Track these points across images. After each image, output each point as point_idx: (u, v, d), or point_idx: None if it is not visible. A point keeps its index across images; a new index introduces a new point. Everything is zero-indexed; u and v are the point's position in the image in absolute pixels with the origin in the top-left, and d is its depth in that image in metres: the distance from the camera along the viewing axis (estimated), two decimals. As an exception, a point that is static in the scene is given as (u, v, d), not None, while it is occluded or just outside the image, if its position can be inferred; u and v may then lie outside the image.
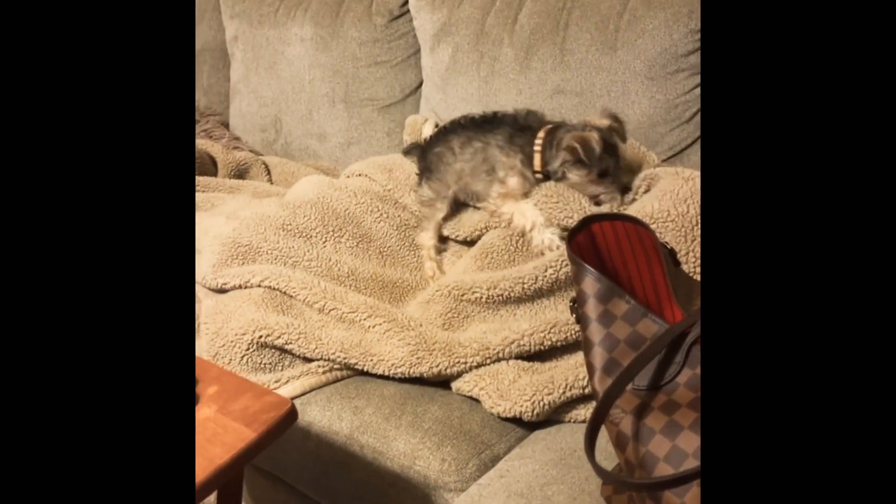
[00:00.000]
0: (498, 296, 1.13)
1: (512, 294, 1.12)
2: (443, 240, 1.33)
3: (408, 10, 1.71)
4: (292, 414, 0.83)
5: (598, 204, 1.20)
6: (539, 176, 1.23)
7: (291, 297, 1.18)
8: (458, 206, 1.32)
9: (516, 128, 1.25)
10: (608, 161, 1.17)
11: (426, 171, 1.34)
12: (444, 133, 1.35)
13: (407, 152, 1.45)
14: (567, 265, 1.08)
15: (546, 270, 1.11)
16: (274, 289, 1.19)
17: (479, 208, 1.30)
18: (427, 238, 1.32)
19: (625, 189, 1.19)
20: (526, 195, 1.22)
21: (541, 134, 1.23)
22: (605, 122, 1.20)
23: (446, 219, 1.31)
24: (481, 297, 1.14)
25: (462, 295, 1.15)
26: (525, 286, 1.11)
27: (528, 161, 1.23)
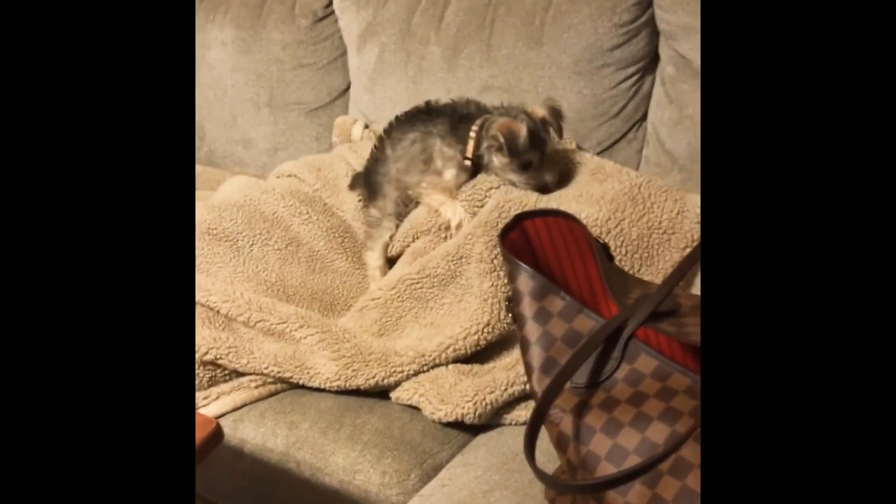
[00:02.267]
0: (427, 276, 1.12)
1: (438, 270, 1.11)
2: (391, 261, 1.29)
3: (332, 12, 1.67)
4: (217, 434, 0.79)
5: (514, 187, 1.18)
6: (468, 163, 1.21)
7: (213, 310, 1.13)
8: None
9: (457, 118, 1.23)
10: (532, 154, 1.15)
11: (371, 194, 1.31)
12: (378, 148, 1.32)
13: (352, 186, 1.38)
14: (485, 237, 1.07)
15: (468, 238, 1.11)
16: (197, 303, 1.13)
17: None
18: (373, 258, 1.28)
19: (544, 187, 1.17)
20: (459, 188, 1.21)
21: (478, 122, 1.21)
22: (541, 113, 1.18)
23: (394, 238, 1.28)
24: (414, 283, 1.13)
25: (396, 295, 1.13)
26: (450, 258, 1.11)
27: (465, 150, 1.21)
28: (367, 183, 1.32)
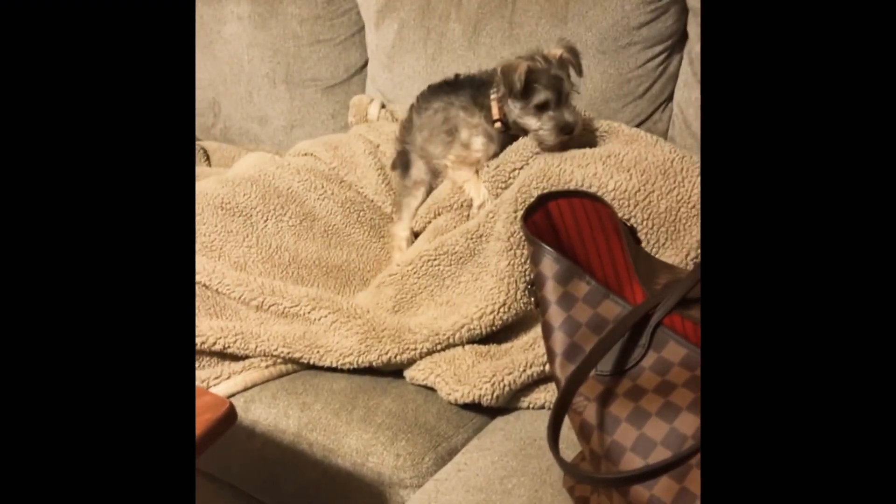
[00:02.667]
0: (444, 253, 1.10)
1: (457, 248, 1.10)
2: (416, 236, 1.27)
3: (350, -15, 1.64)
4: (231, 415, 0.77)
5: (540, 143, 1.12)
6: (499, 125, 1.17)
7: (224, 294, 1.11)
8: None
9: (476, 86, 1.20)
10: (545, 94, 1.10)
11: (403, 166, 1.29)
12: (408, 118, 1.30)
13: (394, 166, 1.35)
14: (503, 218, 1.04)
15: (489, 216, 1.08)
16: (205, 286, 1.11)
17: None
18: (401, 228, 1.26)
19: (567, 127, 1.10)
20: (490, 158, 1.17)
21: (496, 83, 1.17)
22: (556, 53, 1.13)
23: (419, 210, 1.25)
24: (432, 259, 1.11)
25: (412, 270, 1.11)
26: (469, 235, 1.09)
27: (490, 116, 1.17)
28: (400, 155, 1.30)
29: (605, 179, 1.02)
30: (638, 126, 1.34)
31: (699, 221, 1.02)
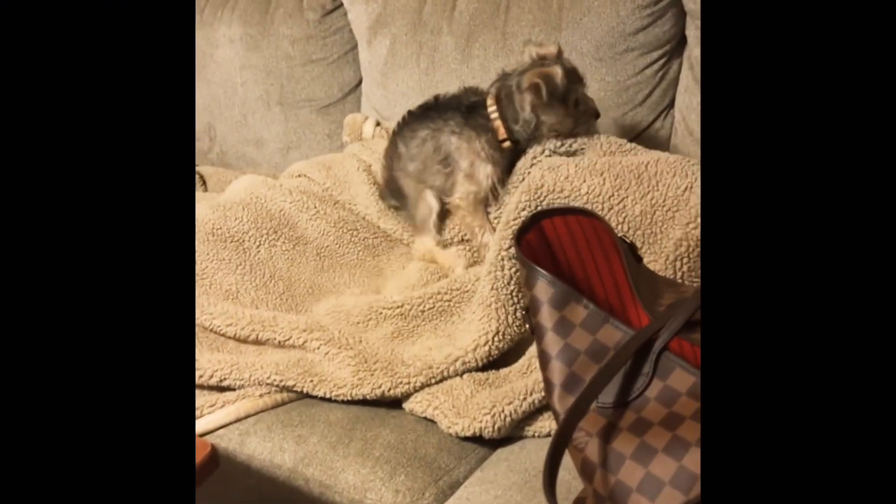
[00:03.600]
0: (457, 289, 1.08)
1: (467, 286, 1.07)
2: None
3: (341, 4, 1.62)
4: (214, 459, 0.74)
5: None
6: (507, 144, 1.13)
7: (219, 334, 1.09)
8: None
9: (464, 108, 1.15)
10: (576, 89, 1.10)
11: (393, 194, 1.25)
12: (392, 146, 1.26)
13: (382, 196, 1.29)
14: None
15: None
16: (203, 327, 1.10)
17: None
18: (428, 240, 1.18)
19: (595, 113, 1.13)
20: (500, 181, 1.13)
21: (490, 101, 1.13)
22: (553, 50, 1.11)
23: (441, 216, 1.18)
24: (442, 293, 1.09)
25: (420, 303, 1.09)
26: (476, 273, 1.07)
27: (493, 139, 1.13)
28: (389, 183, 1.26)
29: (578, 183, 0.99)
30: (639, 135, 1.31)
31: (675, 224, 0.98)
